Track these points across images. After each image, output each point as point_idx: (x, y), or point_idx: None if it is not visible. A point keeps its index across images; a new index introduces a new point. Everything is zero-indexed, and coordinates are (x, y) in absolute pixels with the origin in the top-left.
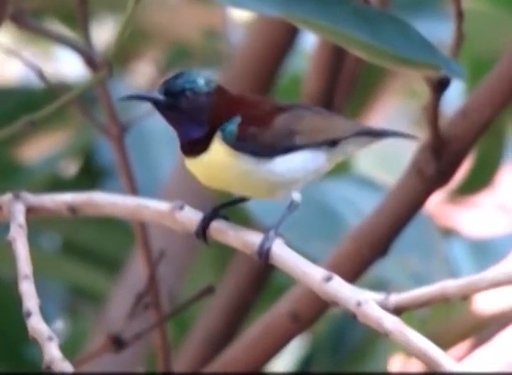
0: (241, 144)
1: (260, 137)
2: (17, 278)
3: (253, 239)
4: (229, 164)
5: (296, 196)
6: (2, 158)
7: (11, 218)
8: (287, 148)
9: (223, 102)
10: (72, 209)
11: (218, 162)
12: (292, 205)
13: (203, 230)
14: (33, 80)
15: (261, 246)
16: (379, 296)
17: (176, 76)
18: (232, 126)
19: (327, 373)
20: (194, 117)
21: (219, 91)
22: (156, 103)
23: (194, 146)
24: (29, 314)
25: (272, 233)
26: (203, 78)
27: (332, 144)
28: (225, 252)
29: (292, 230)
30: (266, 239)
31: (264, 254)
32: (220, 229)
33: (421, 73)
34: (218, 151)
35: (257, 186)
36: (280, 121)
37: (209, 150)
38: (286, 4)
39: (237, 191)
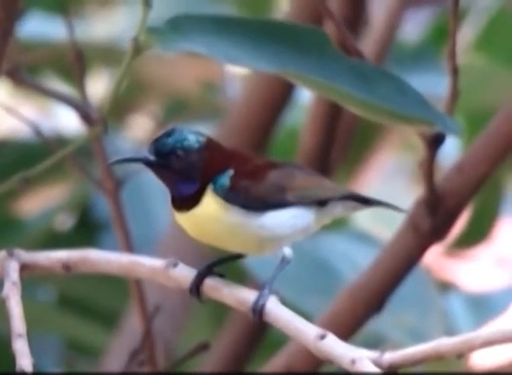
0: (233, 196)
1: (252, 191)
2: (11, 335)
3: (247, 296)
4: (220, 216)
5: (288, 251)
6: None
7: (4, 275)
8: (278, 203)
9: (215, 157)
10: (67, 267)
11: (209, 215)
12: (284, 261)
13: (196, 287)
14: (30, 134)
15: (255, 304)
16: (373, 354)
17: (166, 135)
18: (225, 179)
19: None
20: (186, 175)
21: (210, 145)
22: (147, 164)
23: (186, 201)
24: (22, 373)
25: (266, 290)
26: (193, 135)
27: (321, 204)
28: (222, 307)
29: (288, 286)
30: (260, 297)
31: (258, 312)
32: (214, 286)
33: (416, 129)
34: (210, 203)
35: (246, 240)
36: (272, 176)
37: (201, 203)
38: (282, 60)
39: (226, 246)
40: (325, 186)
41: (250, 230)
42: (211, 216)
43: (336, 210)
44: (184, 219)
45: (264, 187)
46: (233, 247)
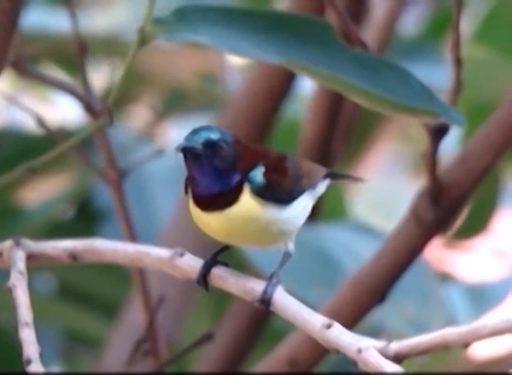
0: (268, 193)
1: (282, 185)
2: (17, 325)
3: (253, 286)
4: (258, 215)
5: (291, 243)
6: (1, 202)
7: (11, 265)
8: (298, 194)
9: (245, 152)
10: (73, 256)
11: (248, 214)
12: (288, 253)
13: (204, 277)
14: (29, 125)
15: (264, 293)
16: (380, 343)
17: (205, 129)
18: (259, 175)
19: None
20: (225, 168)
21: (238, 141)
22: (194, 155)
23: (221, 199)
24: (29, 361)
25: (274, 280)
26: (223, 130)
27: (313, 186)
28: (222, 298)
29: (290, 277)
30: (269, 286)
31: (266, 301)
32: (220, 275)
33: (420, 120)
34: (248, 202)
35: (272, 235)
36: (290, 168)
37: (238, 203)
38: (286, 51)
39: (249, 243)
40: (317, 168)
41: (279, 225)
42: (250, 216)
43: (320, 189)
44: (214, 219)
45: (289, 180)
46: (255, 243)
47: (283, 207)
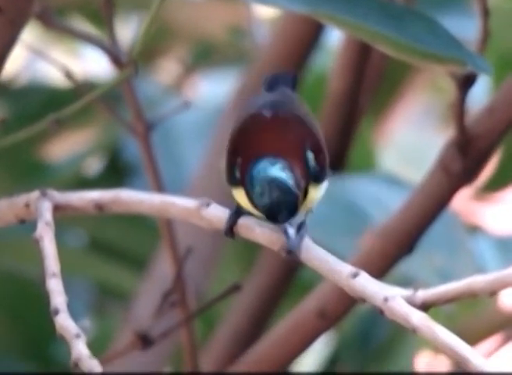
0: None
1: None
2: (44, 276)
3: (280, 236)
4: None
5: None
6: (28, 157)
7: (38, 216)
8: None
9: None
10: (100, 207)
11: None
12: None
13: (231, 228)
14: (59, 78)
15: (292, 242)
16: (406, 292)
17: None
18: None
19: (353, 372)
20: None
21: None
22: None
23: None
24: (57, 311)
25: (303, 230)
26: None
27: None
28: (251, 249)
29: (318, 228)
30: (297, 236)
31: (293, 251)
32: (247, 226)
33: (448, 68)
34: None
35: None
36: None
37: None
38: (313, 1)
39: None
40: None
41: None
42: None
43: None
44: None
45: None
46: None
47: None
